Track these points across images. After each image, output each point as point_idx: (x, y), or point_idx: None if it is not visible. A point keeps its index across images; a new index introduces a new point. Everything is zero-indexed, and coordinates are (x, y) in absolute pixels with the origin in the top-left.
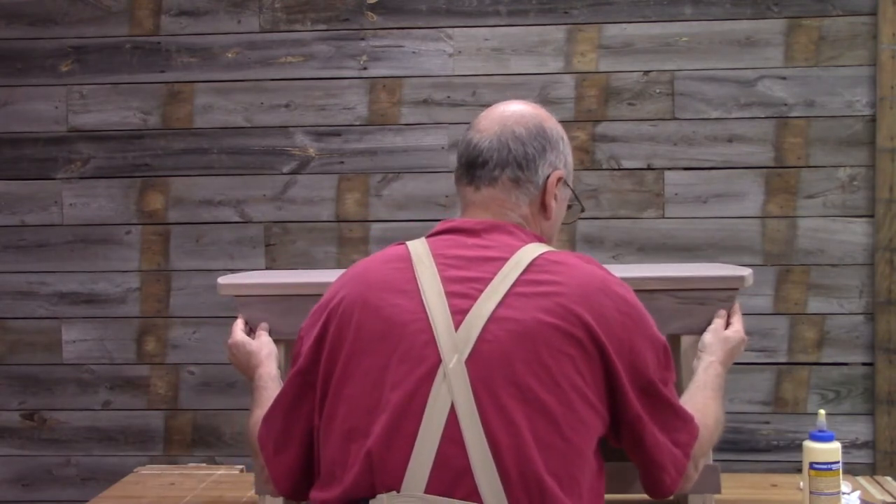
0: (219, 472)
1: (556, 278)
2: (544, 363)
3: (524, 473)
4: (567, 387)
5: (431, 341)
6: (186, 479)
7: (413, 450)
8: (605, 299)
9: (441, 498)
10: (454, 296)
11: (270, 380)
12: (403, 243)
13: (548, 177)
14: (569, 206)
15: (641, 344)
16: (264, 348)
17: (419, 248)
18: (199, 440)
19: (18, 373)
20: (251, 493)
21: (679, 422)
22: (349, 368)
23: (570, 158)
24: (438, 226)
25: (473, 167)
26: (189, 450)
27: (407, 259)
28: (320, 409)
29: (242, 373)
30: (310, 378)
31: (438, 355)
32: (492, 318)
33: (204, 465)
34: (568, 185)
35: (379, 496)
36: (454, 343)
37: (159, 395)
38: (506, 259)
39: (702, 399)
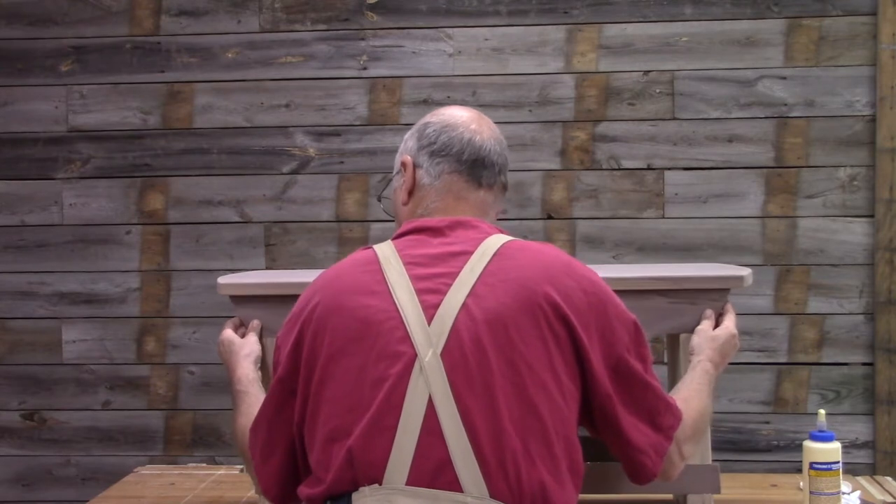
0: (219, 472)
1: (521, 263)
2: (516, 348)
3: (503, 460)
4: (540, 369)
5: (406, 337)
6: (186, 479)
7: (393, 443)
8: (568, 280)
9: (422, 489)
10: (424, 292)
11: (249, 383)
12: (371, 247)
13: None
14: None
15: (609, 321)
16: (245, 348)
17: (386, 251)
18: (199, 440)
19: (18, 373)
20: (251, 493)
21: (660, 404)
22: (328, 371)
23: None
24: (403, 226)
25: (482, 166)
26: (189, 450)
27: (375, 262)
28: (302, 413)
29: (225, 369)
30: (290, 385)
31: (414, 350)
32: (462, 310)
33: (204, 465)
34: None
35: (361, 489)
36: (428, 337)
37: (159, 395)
38: (471, 252)
39: (686, 391)
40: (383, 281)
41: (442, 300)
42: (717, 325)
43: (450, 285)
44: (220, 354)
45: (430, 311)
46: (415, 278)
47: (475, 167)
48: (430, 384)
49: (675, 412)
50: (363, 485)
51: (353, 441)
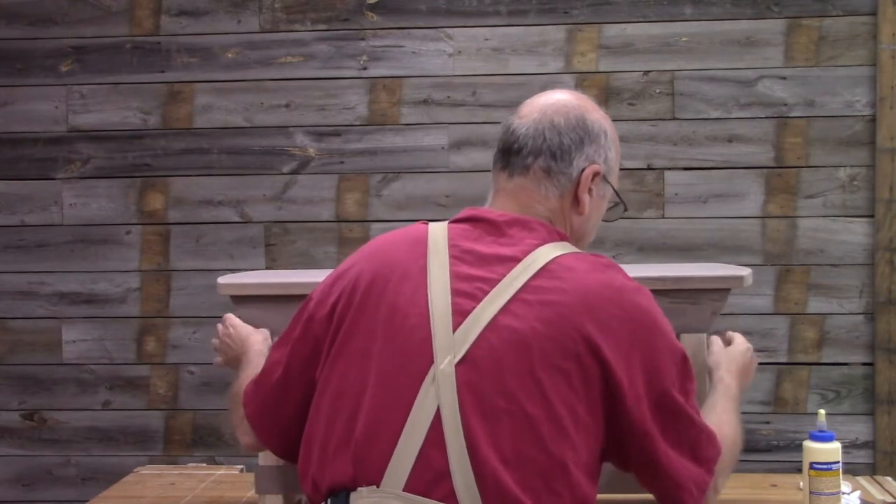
0: (219, 472)
1: (564, 286)
2: (536, 376)
3: (499, 485)
4: (557, 402)
5: (427, 339)
6: (186, 479)
7: (396, 448)
8: (614, 308)
9: (419, 497)
10: (459, 294)
11: (260, 354)
12: (427, 224)
13: (583, 170)
14: (615, 205)
15: (654, 354)
16: (261, 333)
17: (438, 235)
18: (199, 440)
19: (18, 373)
20: (251, 493)
21: (702, 436)
22: (346, 344)
23: (612, 154)
24: (464, 211)
25: (509, 153)
26: (189, 450)
27: (424, 244)
28: (318, 378)
29: (230, 348)
30: (321, 346)
31: (431, 355)
32: (490, 325)
33: (204, 465)
34: (608, 182)
35: (359, 489)
36: (449, 345)
37: (159, 395)
38: (519, 260)
39: (716, 416)
40: (424, 269)
41: (474, 308)
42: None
43: (487, 293)
44: (224, 334)
45: (458, 317)
46: (455, 276)
47: (505, 154)
48: (440, 396)
49: (716, 443)
50: (362, 484)
51: (358, 435)
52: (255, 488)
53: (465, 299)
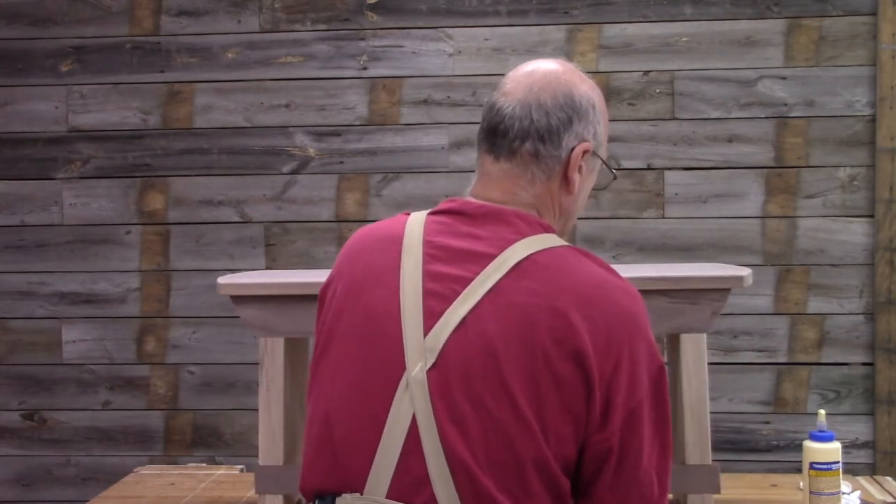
0: (219, 472)
1: (536, 286)
2: (504, 380)
3: (478, 489)
4: (526, 408)
5: (399, 345)
6: (186, 479)
7: (376, 456)
8: (591, 308)
9: None
10: (431, 295)
11: None
12: (408, 215)
13: (572, 149)
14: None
15: (632, 360)
16: None
17: (415, 230)
18: (199, 440)
19: (18, 373)
20: (251, 493)
21: (658, 476)
22: (329, 348)
23: (600, 127)
24: (443, 203)
25: (494, 134)
26: (189, 450)
27: (399, 241)
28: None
29: None
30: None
31: (403, 363)
32: (460, 327)
33: (204, 465)
34: (597, 155)
35: (343, 496)
36: (420, 351)
37: (159, 395)
38: (493, 256)
39: None
40: (397, 269)
41: (446, 310)
42: None
43: (458, 293)
44: None
45: (430, 320)
46: (428, 275)
47: (490, 136)
48: (414, 403)
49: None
50: (345, 491)
51: (338, 443)
52: (255, 488)
53: (436, 301)
